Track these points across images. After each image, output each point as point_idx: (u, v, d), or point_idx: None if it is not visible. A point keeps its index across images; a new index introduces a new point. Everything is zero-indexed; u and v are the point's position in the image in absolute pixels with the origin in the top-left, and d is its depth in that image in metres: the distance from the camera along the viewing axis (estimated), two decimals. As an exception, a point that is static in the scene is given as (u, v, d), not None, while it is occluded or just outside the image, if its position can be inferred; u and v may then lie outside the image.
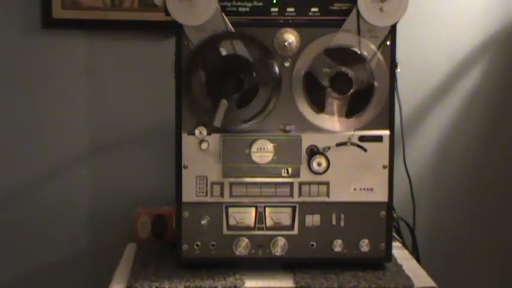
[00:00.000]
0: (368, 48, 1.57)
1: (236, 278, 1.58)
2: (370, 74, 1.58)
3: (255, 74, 1.56)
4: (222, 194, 1.61)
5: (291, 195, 1.61)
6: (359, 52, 1.57)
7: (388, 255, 1.64)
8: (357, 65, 1.57)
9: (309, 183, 1.61)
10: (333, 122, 1.59)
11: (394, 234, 1.81)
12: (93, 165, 2.03)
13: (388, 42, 1.58)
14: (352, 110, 1.59)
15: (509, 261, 2.14)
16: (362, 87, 1.57)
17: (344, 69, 1.56)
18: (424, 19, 2.02)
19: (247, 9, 1.58)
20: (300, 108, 1.59)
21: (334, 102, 1.58)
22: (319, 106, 1.58)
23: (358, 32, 1.57)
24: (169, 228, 1.80)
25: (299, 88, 1.58)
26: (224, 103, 1.53)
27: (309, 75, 1.57)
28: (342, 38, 1.57)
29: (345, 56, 1.57)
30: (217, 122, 1.55)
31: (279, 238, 1.62)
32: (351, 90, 1.56)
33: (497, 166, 2.11)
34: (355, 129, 1.60)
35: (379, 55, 1.58)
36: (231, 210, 1.61)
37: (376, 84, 1.58)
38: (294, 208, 1.62)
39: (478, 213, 2.12)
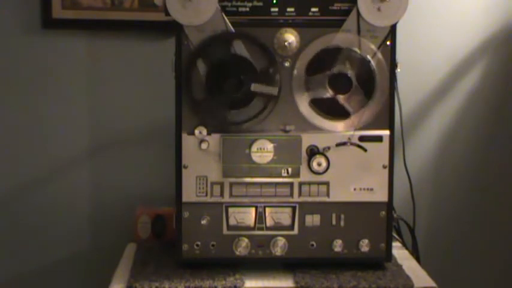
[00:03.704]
0: (368, 48, 1.57)
1: (236, 278, 1.58)
2: (370, 74, 1.58)
3: (255, 74, 1.56)
4: (222, 194, 1.61)
5: (291, 195, 1.61)
6: (359, 52, 1.57)
7: (388, 255, 1.64)
8: (357, 65, 1.57)
9: (309, 183, 1.61)
10: (332, 122, 1.59)
11: (394, 234, 1.81)
12: (93, 165, 2.03)
13: (388, 42, 1.58)
14: (352, 109, 1.59)
15: (509, 261, 2.14)
16: (362, 87, 1.57)
17: (344, 69, 1.56)
18: (424, 19, 2.02)
19: (247, 9, 1.58)
20: (300, 108, 1.59)
21: (328, 100, 1.58)
22: (309, 73, 1.57)
23: (358, 32, 1.57)
24: (169, 228, 1.80)
25: (299, 88, 1.58)
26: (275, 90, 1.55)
27: (324, 52, 1.56)
28: (342, 38, 1.57)
29: (345, 56, 1.57)
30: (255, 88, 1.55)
31: (279, 238, 1.62)
32: (351, 90, 1.56)
33: (497, 166, 2.11)
34: (355, 129, 1.60)
35: (379, 55, 1.58)
36: (231, 210, 1.61)
37: (376, 84, 1.58)
38: (294, 208, 1.62)
39: (478, 213, 2.12)
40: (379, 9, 1.56)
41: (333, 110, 1.59)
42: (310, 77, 1.57)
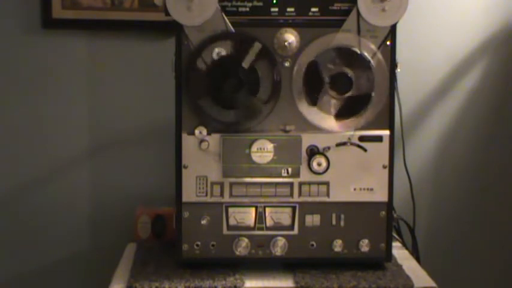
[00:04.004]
0: (368, 48, 1.57)
1: (236, 278, 1.58)
2: (370, 74, 1.57)
3: (254, 74, 1.56)
4: (222, 194, 1.61)
5: (291, 195, 1.61)
6: (359, 52, 1.57)
7: (388, 255, 1.64)
8: (357, 65, 1.57)
9: (309, 183, 1.61)
10: (332, 122, 1.59)
11: (394, 234, 1.81)
12: (93, 165, 2.03)
13: (388, 42, 1.58)
14: (351, 110, 1.59)
15: (509, 261, 2.14)
16: (362, 88, 1.57)
17: (344, 69, 1.56)
18: (424, 19, 2.02)
19: (247, 9, 1.58)
20: (300, 108, 1.59)
21: (333, 102, 1.58)
22: (313, 100, 1.57)
23: (358, 32, 1.57)
24: (169, 228, 1.80)
25: (299, 88, 1.58)
26: (258, 46, 1.54)
27: (313, 65, 1.57)
28: (342, 38, 1.57)
29: (345, 56, 1.57)
30: (246, 63, 1.54)
31: (279, 238, 1.62)
32: (351, 90, 1.56)
33: (497, 166, 2.11)
34: (355, 129, 1.60)
35: (379, 55, 1.58)
36: (231, 210, 1.61)
37: (376, 84, 1.58)
38: (294, 208, 1.62)
39: (477, 213, 2.12)
40: (379, 10, 1.56)
41: (332, 110, 1.58)
42: (311, 71, 1.57)
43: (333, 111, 1.58)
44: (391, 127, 1.61)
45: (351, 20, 1.57)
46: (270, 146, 1.59)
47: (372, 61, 1.57)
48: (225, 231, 1.62)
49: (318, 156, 1.59)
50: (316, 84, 1.57)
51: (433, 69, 2.06)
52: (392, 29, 1.58)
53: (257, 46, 1.55)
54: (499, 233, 2.13)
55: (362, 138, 1.60)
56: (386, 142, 1.61)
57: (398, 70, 1.60)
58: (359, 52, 1.57)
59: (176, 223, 1.61)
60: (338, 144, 1.60)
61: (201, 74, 1.56)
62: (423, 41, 2.04)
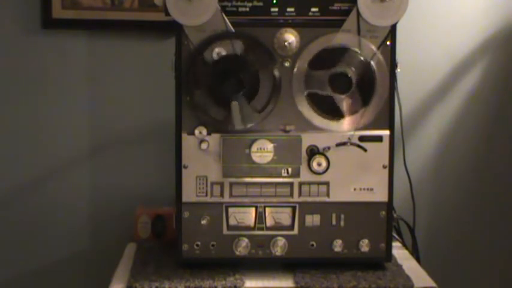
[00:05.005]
0: (368, 48, 1.57)
1: (236, 278, 1.58)
2: (370, 74, 1.58)
3: (254, 74, 1.56)
4: (222, 194, 1.61)
5: (291, 195, 1.61)
6: (359, 52, 1.57)
7: (388, 255, 1.64)
8: (357, 65, 1.57)
9: (309, 183, 1.61)
10: (332, 122, 1.59)
11: (394, 234, 1.81)
12: (93, 165, 2.03)
13: (388, 42, 1.58)
14: (351, 110, 1.58)
15: (509, 262, 2.14)
16: (362, 88, 1.57)
17: (344, 69, 1.56)
18: (424, 19, 2.02)
19: (247, 9, 1.58)
20: (300, 108, 1.59)
21: (332, 102, 1.58)
22: (313, 100, 1.58)
23: (358, 32, 1.57)
24: (169, 228, 1.80)
25: (299, 88, 1.58)
26: (235, 104, 1.53)
27: (313, 65, 1.56)
28: (342, 38, 1.57)
29: (345, 56, 1.57)
30: (237, 124, 1.54)
31: (279, 238, 1.62)
32: (351, 90, 1.56)
33: (497, 166, 2.11)
34: (355, 129, 1.60)
35: (379, 55, 1.58)
36: (231, 210, 1.61)
37: (376, 84, 1.58)
38: (294, 208, 1.62)
39: (478, 213, 2.12)
40: (379, 9, 1.56)
41: (331, 110, 1.59)
42: (311, 71, 1.57)
43: (333, 111, 1.58)
44: (391, 127, 1.61)
45: (351, 20, 1.57)
46: (270, 146, 1.59)
47: (372, 61, 1.57)
48: (225, 231, 1.62)
49: (318, 156, 1.59)
50: (317, 84, 1.57)
51: (433, 69, 2.06)
52: (392, 29, 1.58)
53: (234, 104, 1.54)
54: (499, 233, 2.13)
55: (362, 138, 1.60)
56: (386, 142, 1.61)
57: (398, 70, 1.60)
58: (359, 52, 1.57)
59: (176, 223, 1.62)
60: (338, 144, 1.60)
61: (201, 74, 1.56)
62: (423, 41, 2.04)
